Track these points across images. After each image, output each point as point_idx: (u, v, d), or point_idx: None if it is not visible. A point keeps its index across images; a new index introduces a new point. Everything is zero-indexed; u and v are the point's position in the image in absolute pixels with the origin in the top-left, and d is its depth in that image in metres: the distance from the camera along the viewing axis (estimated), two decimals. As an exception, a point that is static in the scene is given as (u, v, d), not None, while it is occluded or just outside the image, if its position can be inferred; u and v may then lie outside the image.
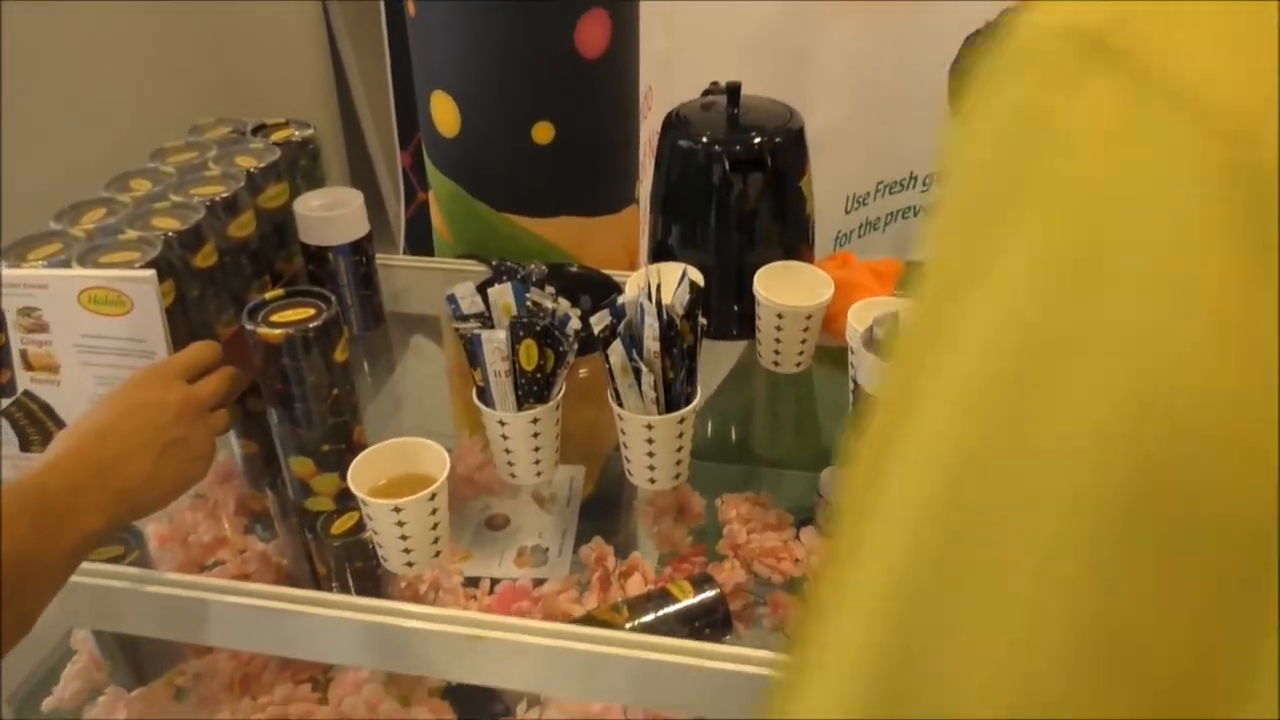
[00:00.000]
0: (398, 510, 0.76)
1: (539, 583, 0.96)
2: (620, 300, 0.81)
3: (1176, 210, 0.25)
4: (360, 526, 0.86)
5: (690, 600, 0.88)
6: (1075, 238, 0.26)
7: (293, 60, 1.78)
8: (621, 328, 0.80)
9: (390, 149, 1.84)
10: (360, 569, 0.88)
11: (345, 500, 0.87)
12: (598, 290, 0.99)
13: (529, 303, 0.81)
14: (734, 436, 1.17)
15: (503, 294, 0.80)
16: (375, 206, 1.03)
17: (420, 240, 1.61)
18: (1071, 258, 0.26)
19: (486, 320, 0.81)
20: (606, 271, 1.03)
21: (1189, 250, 0.25)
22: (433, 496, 0.77)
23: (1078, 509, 0.25)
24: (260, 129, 1.00)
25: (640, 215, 1.17)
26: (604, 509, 1.11)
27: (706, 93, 1.01)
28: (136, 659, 0.94)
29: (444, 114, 1.05)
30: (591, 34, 0.99)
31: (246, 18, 1.68)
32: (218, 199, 0.87)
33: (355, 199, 0.96)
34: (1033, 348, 0.26)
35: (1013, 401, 0.27)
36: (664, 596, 0.89)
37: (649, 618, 0.87)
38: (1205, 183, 0.24)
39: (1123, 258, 0.25)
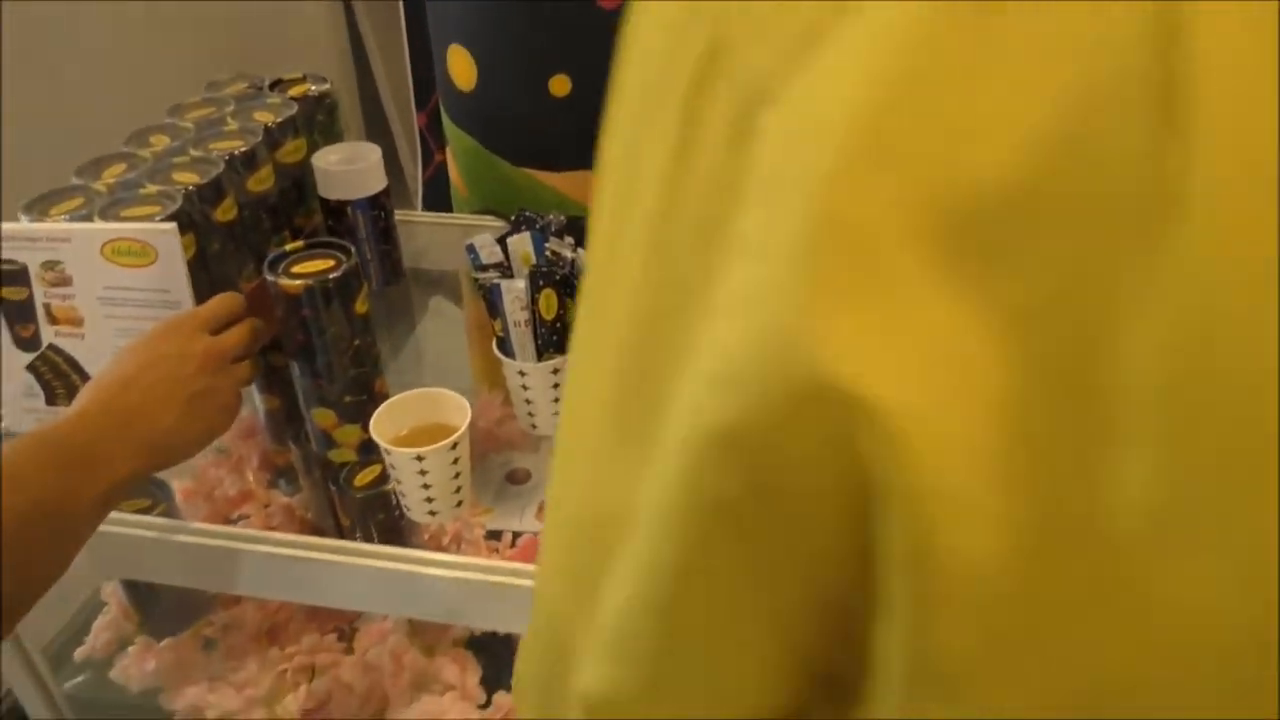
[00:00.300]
0: (420, 459, 0.77)
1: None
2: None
3: None
4: (383, 479, 0.87)
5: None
6: None
7: (307, 19, 1.78)
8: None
9: (406, 110, 1.84)
10: (383, 521, 0.89)
11: (368, 452, 0.88)
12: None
13: (548, 252, 0.81)
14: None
15: (522, 243, 0.80)
16: (393, 169, 1.02)
17: (438, 203, 1.61)
18: None
19: (506, 270, 0.81)
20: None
21: None
22: (454, 445, 0.78)
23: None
24: (277, 84, 1.00)
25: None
26: (624, 464, 1.12)
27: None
28: (165, 610, 0.95)
29: (460, 68, 1.04)
30: (610, -17, 0.98)
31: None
32: (236, 153, 0.87)
33: (373, 153, 0.96)
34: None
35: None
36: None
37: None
38: None
39: None
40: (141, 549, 0.79)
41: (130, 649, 0.94)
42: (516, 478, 1.06)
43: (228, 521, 0.98)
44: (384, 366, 0.89)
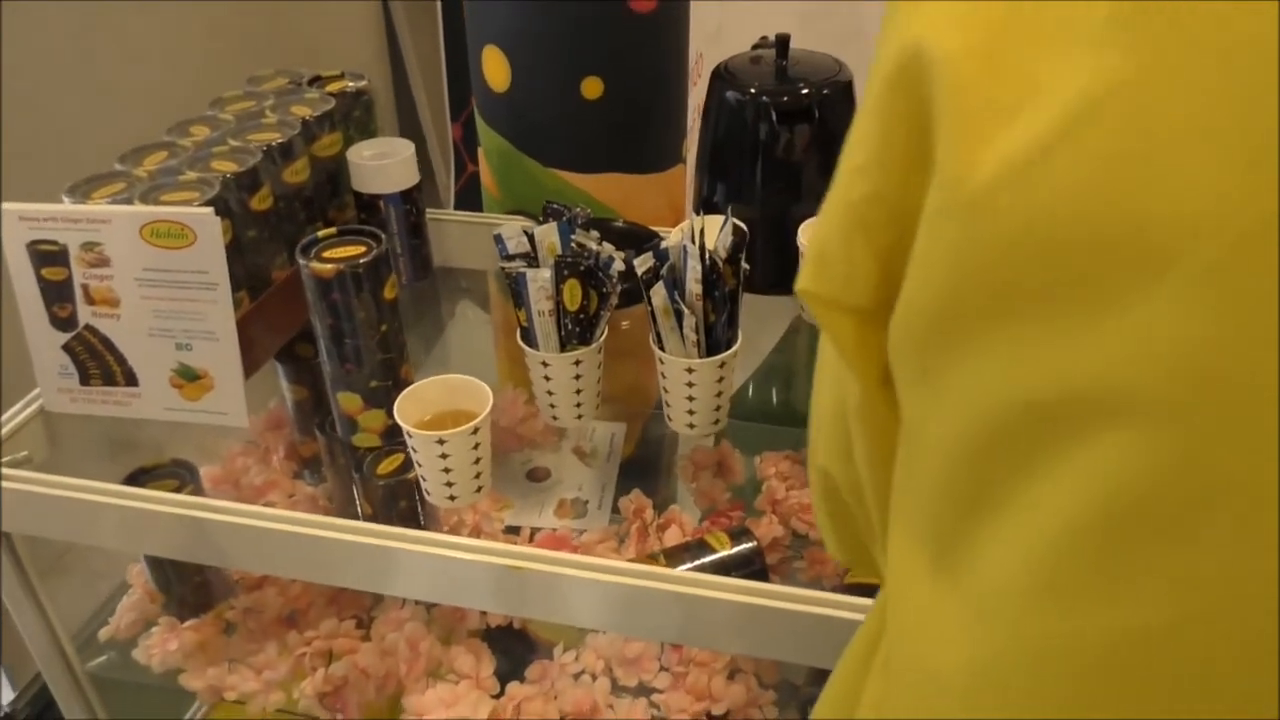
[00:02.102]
0: (441, 443, 0.78)
1: (579, 533, 0.97)
2: (664, 244, 0.82)
3: None
4: (405, 466, 0.88)
5: (727, 551, 0.89)
6: None
7: (346, 22, 1.81)
8: (665, 270, 0.81)
9: (440, 116, 1.86)
10: (405, 508, 0.90)
11: (391, 438, 0.89)
12: (641, 244, 1.00)
13: (574, 243, 0.82)
14: (775, 396, 1.18)
15: (548, 233, 0.81)
16: (425, 174, 1.04)
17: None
18: None
19: (532, 261, 0.82)
20: (657, 229, 1.04)
21: None
22: (475, 430, 0.79)
23: None
24: (315, 80, 1.02)
25: (687, 176, 1.18)
26: (644, 467, 1.12)
27: (756, 47, 1.01)
28: (188, 593, 0.97)
29: (495, 69, 1.06)
30: (646, -12, 1.00)
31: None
32: (274, 144, 0.90)
33: (407, 149, 0.98)
34: None
35: None
36: (701, 547, 0.90)
37: (686, 566, 0.87)
38: None
39: None
40: (169, 527, 0.80)
41: (154, 630, 0.96)
42: (537, 475, 1.07)
43: (253, 508, 0.99)
44: (410, 359, 0.91)
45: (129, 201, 0.82)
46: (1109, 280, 0.29)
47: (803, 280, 0.40)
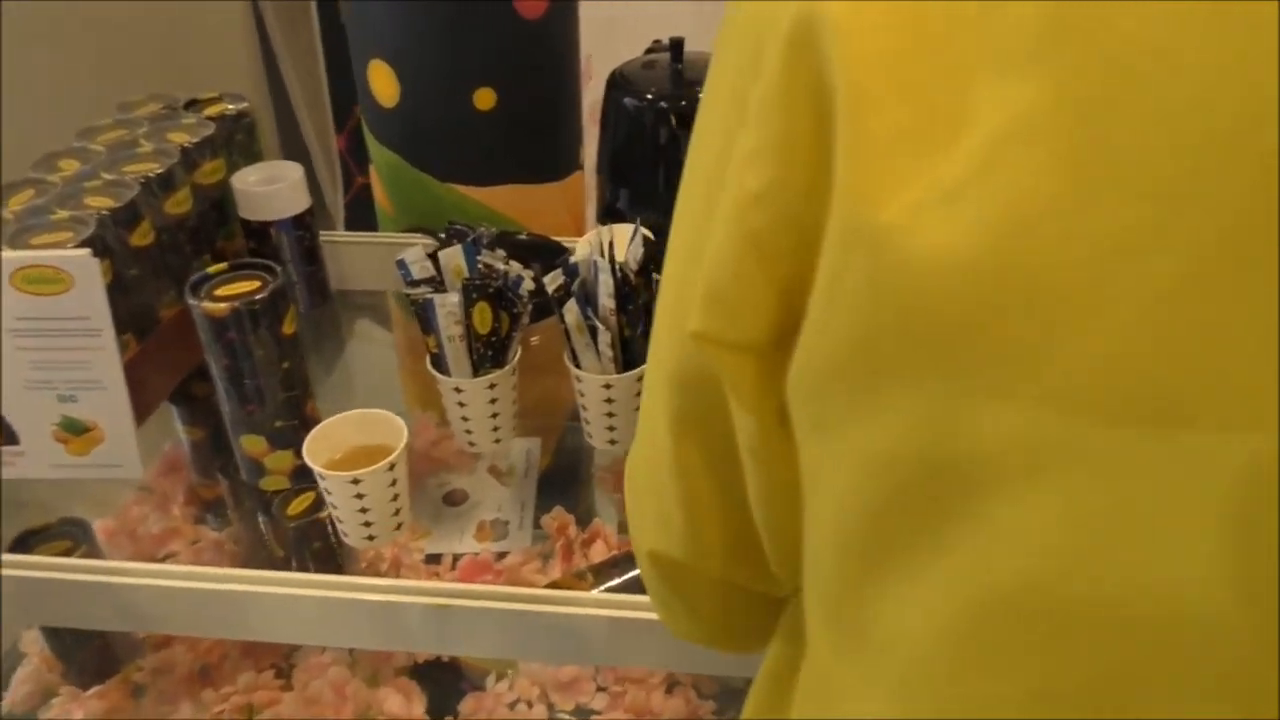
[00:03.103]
0: (356, 482, 0.75)
1: (501, 555, 0.95)
2: (573, 259, 0.80)
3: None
4: (317, 505, 0.85)
5: (657, 563, 0.88)
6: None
7: (217, 41, 1.74)
8: (575, 286, 0.79)
9: (325, 132, 1.81)
10: (319, 549, 0.86)
11: (300, 478, 0.85)
12: (547, 256, 0.97)
13: (480, 265, 0.79)
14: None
15: (454, 256, 0.78)
16: (313, 193, 1.00)
17: (360, 226, 1.58)
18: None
19: (438, 285, 0.79)
20: (555, 238, 1.02)
21: None
22: (392, 467, 0.76)
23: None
24: (192, 104, 0.97)
25: (585, 181, 1.16)
26: (563, 480, 1.10)
27: (649, 51, 1.00)
28: (90, 657, 0.91)
29: (382, 84, 1.02)
30: (530, -6, 0.98)
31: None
32: (152, 175, 0.84)
33: (295, 172, 0.94)
34: None
35: None
36: (629, 561, 0.88)
37: (615, 582, 0.86)
38: None
39: None
40: (64, 593, 0.75)
41: (55, 701, 0.90)
42: (454, 499, 1.04)
43: (154, 560, 0.94)
44: (315, 394, 0.87)
45: (-5, 247, 0.77)
46: (1018, 336, 0.27)
47: (695, 323, 0.36)
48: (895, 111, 0.28)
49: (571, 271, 0.79)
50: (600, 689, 0.87)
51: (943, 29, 0.28)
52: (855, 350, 0.31)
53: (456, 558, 0.94)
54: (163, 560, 0.94)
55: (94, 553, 0.88)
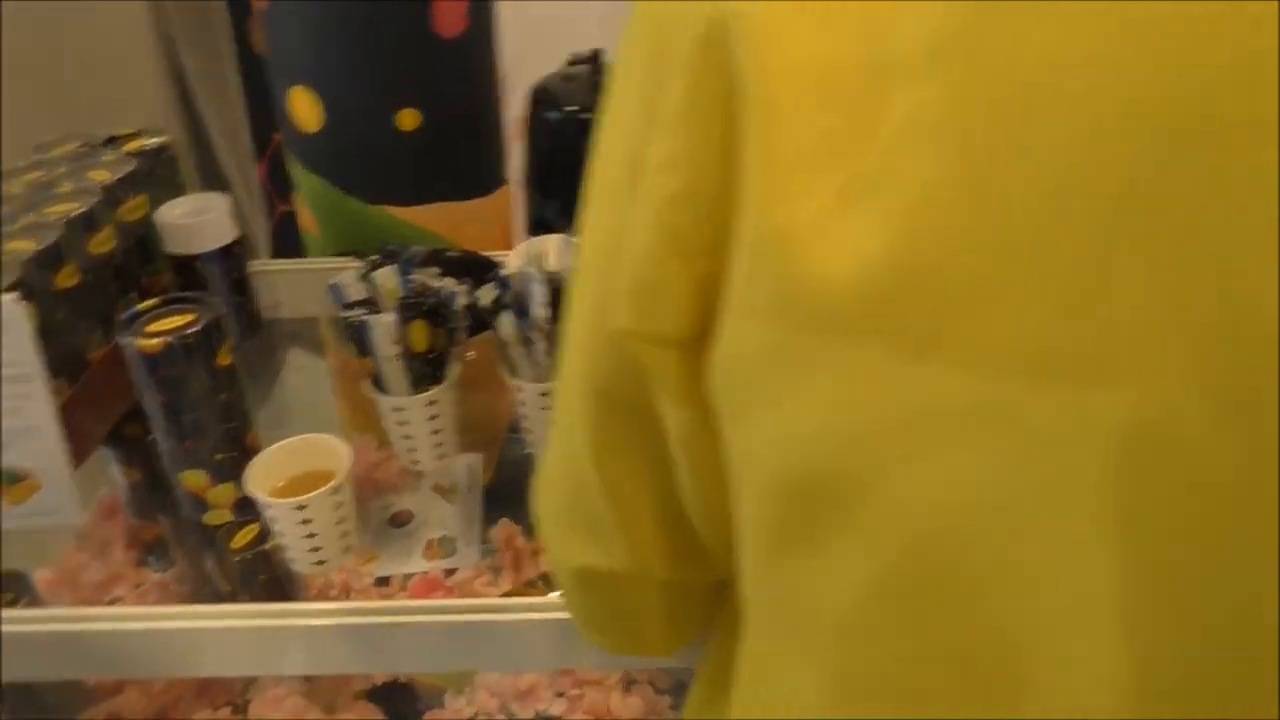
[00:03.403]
0: (302, 508, 0.75)
1: (451, 572, 0.95)
2: (504, 272, 0.81)
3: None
4: (263, 537, 0.84)
5: (608, 567, 0.89)
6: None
7: (128, 76, 1.71)
8: (509, 298, 0.79)
9: (246, 162, 1.78)
10: (267, 581, 0.86)
11: (244, 511, 0.84)
12: (479, 271, 0.98)
13: (414, 284, 0.80)
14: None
15: (387, 277, 0.79)
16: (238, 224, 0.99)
17: (285, 253, 1.56)
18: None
19: (373, 306, 0.80)
20: (486, 253, 1.03)
21: None
22: (337, 490, 0.76)
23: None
24: (111, 141, 0.96)
25: (512, 195, 1.17)
26: (508, 492, 1.11)
27: (569, 64, 1.01)
28: (39, 709, 0.89)
29: (304, 109, 1.02)
30: (448, 12, 0.98)
31: (71, 33, 1.61)
32: (74, 215, 0.83)
33: (221, 203, 0.94)
34: None
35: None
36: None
37: (569, 589, 0.87)
38: None
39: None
40: (10, 646, 0.74)
41: (2, 755, 0.88)
42: (400, 520, 1.04)
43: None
44: (254, 425, 0.86)
45: (-86, 297, 0.75)
46: (920, 321, 0.29)
47: (623, 320, 0.37)
48: (806, 121, 0.30)
49: (504, 284, 0.80)
50: (559, 694, 0.88)
51: (853, 31, 0.30)
52: (768, 344, 0.32)
53: (407, 578, 0.94)
54: (107, 606, 0.92)
55: (35, 605, 0.86)
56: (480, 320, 0.82)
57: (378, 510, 1.05)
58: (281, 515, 0.75)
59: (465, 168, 1.09)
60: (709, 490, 0.40)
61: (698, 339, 0.36)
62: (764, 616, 0.39)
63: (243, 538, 0.85)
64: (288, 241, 1.29)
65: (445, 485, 1.08)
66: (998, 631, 0.31)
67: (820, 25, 0.30)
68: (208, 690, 0.91)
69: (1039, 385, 0.28)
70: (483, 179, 1.11)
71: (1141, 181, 0.27)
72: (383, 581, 0.95)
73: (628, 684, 0.88)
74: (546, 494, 0.48)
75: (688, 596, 0.48)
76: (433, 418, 0.83)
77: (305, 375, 1.21)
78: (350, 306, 0.79)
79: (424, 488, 1.07)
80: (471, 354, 0.96)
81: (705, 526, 0.42)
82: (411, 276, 0.80)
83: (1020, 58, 0.28)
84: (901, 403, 0.30)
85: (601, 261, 0.39)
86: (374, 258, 0.83)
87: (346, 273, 0.79)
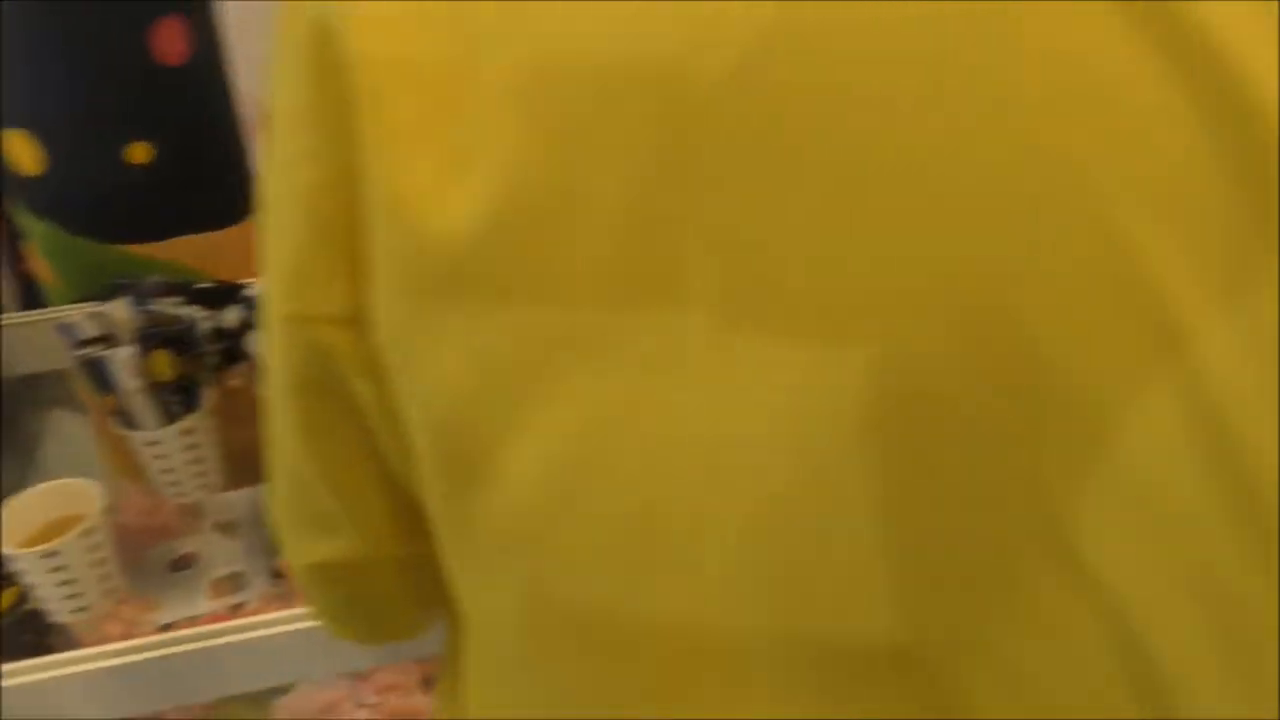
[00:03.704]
0: (53, 555, 0.72)
1: (238, 606, 0.93)
2: (249, 293, 0.80)
3: None
4: (24, 598, 0.80)
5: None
6: None
7: None
8: (257, 318, 0.79)
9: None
10: (32, 642, 0.82)
11: (-2, 572, 0.80)
12: (229, 300, 0.97)
13: (153, 313, 0.78)
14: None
15: (119, 309, 0.77)
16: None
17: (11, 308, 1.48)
18: None
19: (110, 341, 0.78)
20: (241, 280, 1.01)
21: None
22: (88, 531, 0.73)
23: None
24: None
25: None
26: (297, 520, 1.09)
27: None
28: None
29: (22, 153, 0.98)
30: (168, 40, 0.96)
31: None
32: None
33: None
34: None
35: None
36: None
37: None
38: None
39: None
40: None
41: None
42: (183, 563, 1.01)
43: None
44: (7, 494, 0.82)
45: None
46: (530, 268, 0.32)
47: (293, 305, 0.39)
48: (408, 102, 0.33)
49: (251, 304, 0.80)
50: (361, 705, 0.87)
51: (447, 13, 0.33)
52: (406, 311, 0.35)
53: (193, 620, 0.91)
54: None
55: None
56: (238, 349, 0.81)
57: (157, 558, 1.01)
58: (33, 566, 0.72)
59: (209, 197, 1.06)
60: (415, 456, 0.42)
61: (365, 316, 0.38)
62: (458, 578, 0.41)
63: (4, 601, 0.81)
64: (37, 296, 1.23)
65: (226, 521, 1.05)
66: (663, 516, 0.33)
67: (418, 23, 0.33)
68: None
69: (617, 307, 0.31)
70: (230, 207, 1.09)
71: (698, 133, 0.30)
72: (167, 628, 0.92)
73: (427, 681, 0.89)
74: (274, 500, 0.49)
75: (426, 570, 0.49)
76: (191, 447, 0.82)
77: (66, 430, 1.16)
78: (83, 344, 0.77)
79: (205, 528, 1.04)
80: (236, 382, 0.94)
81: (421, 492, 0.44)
82: (150, 307, 0.78)
83: (578, 29, 0.31)
84: (519, 346, 0.33)
85: (275, 255, 0.40)
86: (103, 292, 0.81)
87: (74, 312, 0.77)
